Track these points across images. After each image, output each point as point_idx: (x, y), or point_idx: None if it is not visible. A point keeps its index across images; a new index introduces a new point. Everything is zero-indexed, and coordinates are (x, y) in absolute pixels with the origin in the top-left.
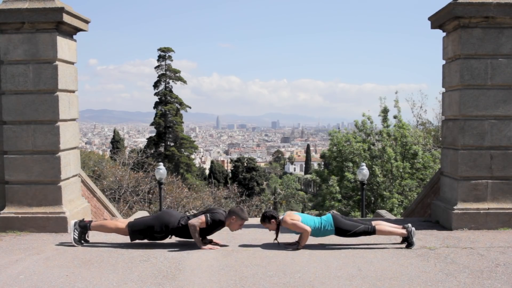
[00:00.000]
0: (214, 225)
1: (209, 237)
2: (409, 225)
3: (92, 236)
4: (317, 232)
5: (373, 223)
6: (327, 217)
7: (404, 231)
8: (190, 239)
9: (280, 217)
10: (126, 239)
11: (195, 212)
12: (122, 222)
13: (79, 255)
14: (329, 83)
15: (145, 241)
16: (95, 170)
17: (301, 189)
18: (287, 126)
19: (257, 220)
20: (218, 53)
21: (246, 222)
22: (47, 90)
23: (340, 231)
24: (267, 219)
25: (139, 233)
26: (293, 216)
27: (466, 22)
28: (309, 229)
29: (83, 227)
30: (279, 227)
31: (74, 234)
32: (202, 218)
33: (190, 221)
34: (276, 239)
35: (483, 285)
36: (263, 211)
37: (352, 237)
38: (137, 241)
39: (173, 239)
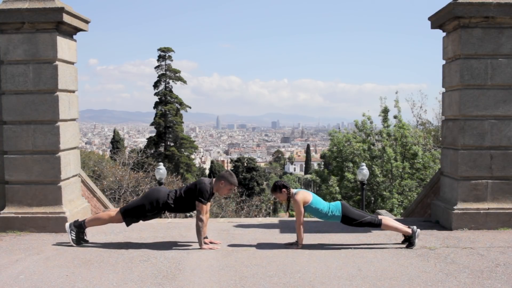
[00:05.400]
0: (208, 200)
1: (208, 238)
2: (415, 226)
3: (92, 236)
4: (324, 216)
5: (380, 217)
6: (336, 204)
7: (409, 230)
8: (184, 212)
9: (293, 191)
10: (126, 238)
11: (182, 186)
12: (113, 210)
13: (79, 255)
14: (329, 83)
15: (145, 241)
16: (95, 170)
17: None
18: (287, 126)
19: (257, 220)
20: (218, 53)
21: (246, 222)
22: (47, 90)
23: (347, 219)
24: (278, 188)
25: (132, 215)
26: (306, 196)
27: (466, 22)
28: (301, 222)
29: (79, 227)
30: (290, 199)
31: (71, 235)
32: (203, 207)
33: (197, 217)
34: (287, 209)
35: (483, 285)
36: (274, 181)
37: (357, 227)
38: (133, 224)
39: (173, 238)
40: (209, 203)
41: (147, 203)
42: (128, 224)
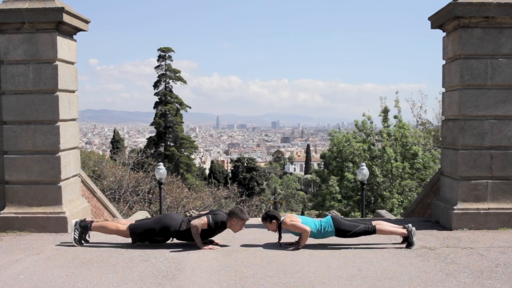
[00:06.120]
0: (216, 227)
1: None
2: (410, 225)
3: (92, 236)
4: (317, 234)
5: (373, 222)
6: (327, 219)
7: (404, 230)
8: (192, 241)
9: (281, 219)
10: (126, 239)
11: (196, 213)
12: (123, 224)
13: (79, 255)
14: (329, 83)
15: (146, 242)
16: (95, 170)
17: (301, 189)
18: (287, 126)
19: (257, 220)
20: (218, 53)
21: (246, 222)
22: (47, 90)
23: (340, 232)
24: (269, 218)
25: (140, 236)
26: (293, 218)
27: (466, 22)
28: (308, 229)
29: (84, 227)
30: (281, 228)
31: (74, 233)
32: (204, 219)
33: (192, 222)
34: (279, 241)
35: (483, 285)
36: (266, 210)
37: (352, 237)
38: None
39: (174, 239)
40: (199, 228)
41: (158, 228)
42: (134, 242)
